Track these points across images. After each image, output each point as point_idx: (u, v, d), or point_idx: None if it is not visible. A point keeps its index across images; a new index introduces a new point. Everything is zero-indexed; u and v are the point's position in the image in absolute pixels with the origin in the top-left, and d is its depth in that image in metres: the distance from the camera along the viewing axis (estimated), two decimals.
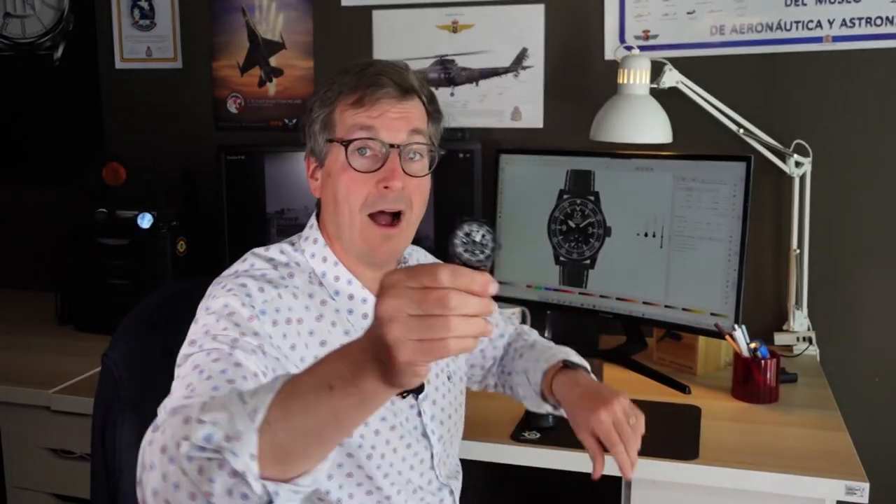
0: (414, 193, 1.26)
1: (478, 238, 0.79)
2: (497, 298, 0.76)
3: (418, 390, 1.33)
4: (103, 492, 1.39)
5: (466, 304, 0.72)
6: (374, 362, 0.75)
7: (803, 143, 2.21)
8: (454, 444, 1.45)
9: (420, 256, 1.53)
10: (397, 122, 1.24)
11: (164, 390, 1.02)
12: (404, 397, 1.32)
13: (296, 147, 2.34)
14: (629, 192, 2.10)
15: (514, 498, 2.28)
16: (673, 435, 1.71)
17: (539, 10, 2.39)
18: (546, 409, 1.50)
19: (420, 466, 1.33)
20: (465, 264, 0.77)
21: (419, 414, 1.34)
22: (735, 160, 1.95)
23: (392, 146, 1.24)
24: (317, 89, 1.32)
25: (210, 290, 1.21)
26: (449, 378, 1.43)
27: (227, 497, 0.80)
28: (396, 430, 1.29)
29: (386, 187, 1.23)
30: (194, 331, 1.13)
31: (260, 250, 1.30)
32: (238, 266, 1.26)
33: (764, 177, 2.25)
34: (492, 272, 0.77)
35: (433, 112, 1.32)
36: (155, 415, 0.94)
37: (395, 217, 1.26)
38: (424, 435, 1.34)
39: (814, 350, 2.22)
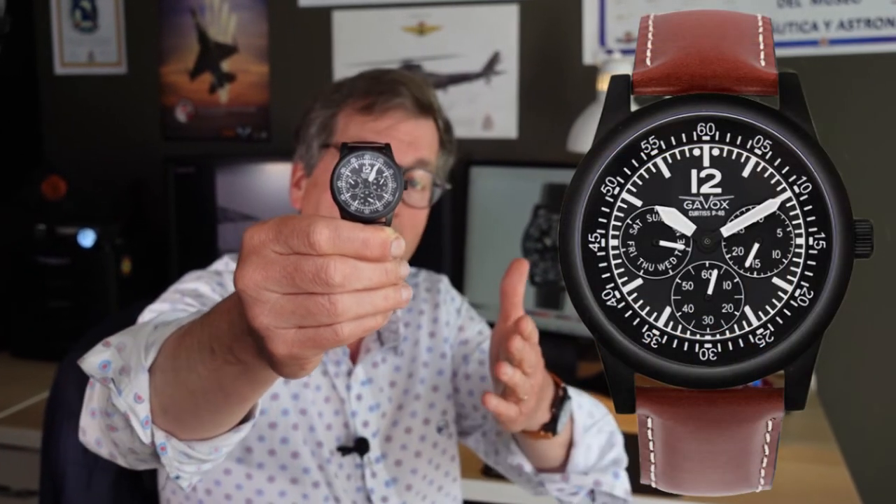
0: (405, 226, 1.17)
1: (371, 175, 0.56)
2: None
3: (362, 448, 1.18)
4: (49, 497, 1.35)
5: (357, 274, 0.56)
6: (250, 335, 0.61)
7: None
8: None
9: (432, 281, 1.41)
10: (405, 144, 1.14)
11: None
12: (345, 454, 1.17)
13: (250, 159, 2.36)
14: None
15: None
16: None
17: (512, 11, 2.34)
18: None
19: None
20: (355, 216, 0.57)
21: (363, 476, 1.19)
22: None
23: None
24: (320, 90, 1.24)
25: (182, 277, 1.18)
26: (439, 430, 1.27)
27: (126, 430, 0.80)
28: (320, 488, 1.16)
29: None
30: (154, 306, 1.08)
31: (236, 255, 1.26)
32: (215, 265, 1.23)
33: None
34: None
35: (446, 142, 1.24)
36: None
37: None
38: (369, 500, 1.19)
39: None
